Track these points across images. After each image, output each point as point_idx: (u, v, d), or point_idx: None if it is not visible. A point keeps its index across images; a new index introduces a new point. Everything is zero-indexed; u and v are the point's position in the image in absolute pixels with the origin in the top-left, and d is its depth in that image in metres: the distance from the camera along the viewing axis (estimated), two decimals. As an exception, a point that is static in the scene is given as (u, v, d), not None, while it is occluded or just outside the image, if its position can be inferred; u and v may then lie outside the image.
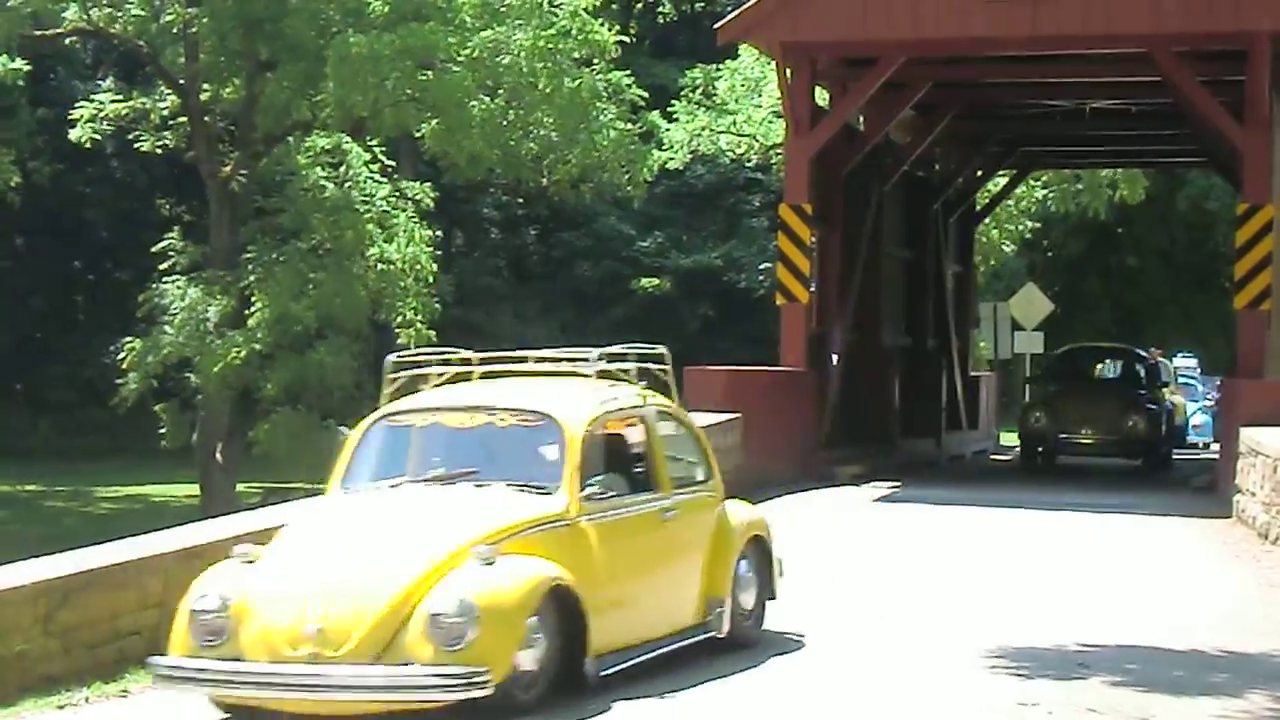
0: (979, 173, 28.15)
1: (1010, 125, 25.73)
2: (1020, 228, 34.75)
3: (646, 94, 27.03)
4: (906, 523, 15.16)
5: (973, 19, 17.82)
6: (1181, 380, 33.98)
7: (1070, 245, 43.95)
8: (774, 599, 9.45)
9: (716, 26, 19.28)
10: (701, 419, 16.06)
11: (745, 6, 19.16)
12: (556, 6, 24.83)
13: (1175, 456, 24.66)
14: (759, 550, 9.37)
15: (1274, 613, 10.73)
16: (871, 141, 21.05)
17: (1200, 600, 11.24)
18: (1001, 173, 29.72)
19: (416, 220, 26.60)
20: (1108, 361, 26.20)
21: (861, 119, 21.59)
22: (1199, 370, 36.92)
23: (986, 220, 31.37)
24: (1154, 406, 23.15)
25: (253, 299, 25.18)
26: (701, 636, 8.70)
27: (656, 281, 39.69)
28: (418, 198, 27.09)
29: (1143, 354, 26.21)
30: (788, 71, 18.91)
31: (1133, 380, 24.30)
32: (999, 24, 17.85)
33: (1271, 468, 14.07)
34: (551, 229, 43.04)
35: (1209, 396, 34.38)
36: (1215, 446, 31.10)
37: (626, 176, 26.25)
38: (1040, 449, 23.00)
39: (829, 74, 20.37)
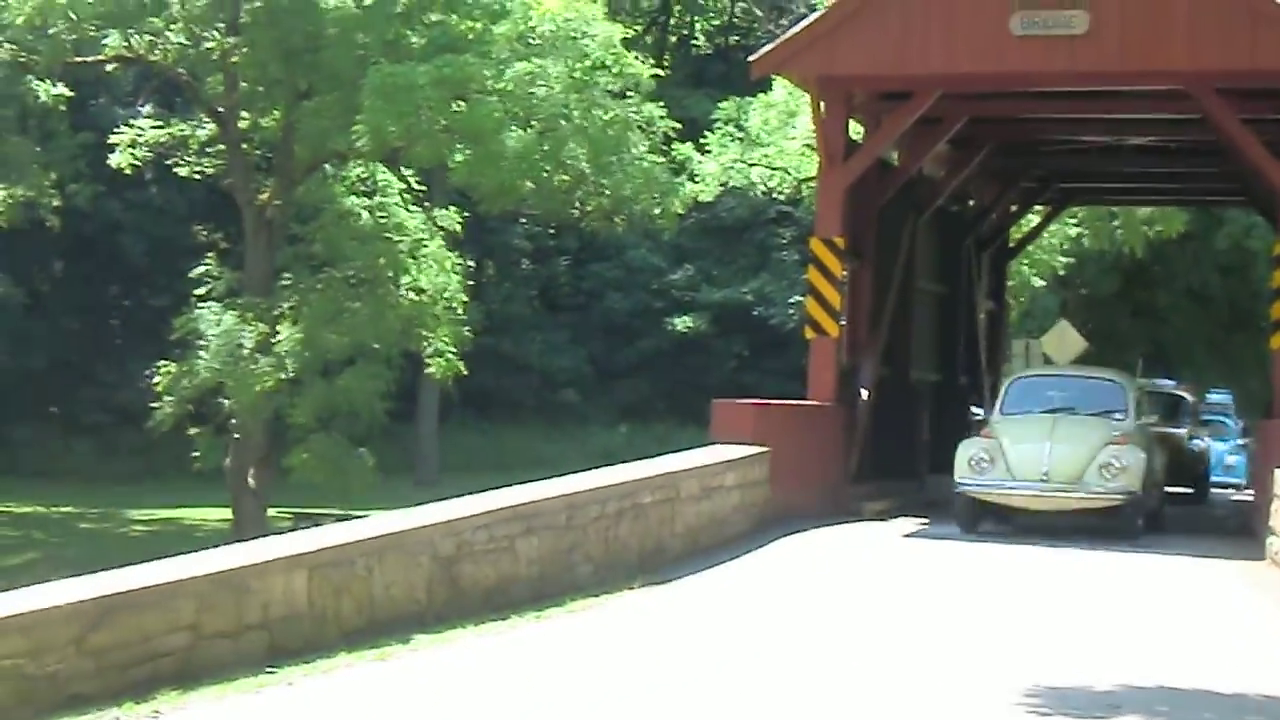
0: (1013, 208, 28.07)
1: (1046, 161, 25.66)
2: (1054, 264, 34.65)
3: (680, 125, 27.12)
4: (935, 559, 15.10)
5: (1009, 54, 17.79)
6: (1212, 418, 33.35)
7: (1104, 284, 43.80)
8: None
9: (751, 59, 19.29)
10: (729, 451, 16.15)
11: (781, 39, 19.20)
12: (590, 38, 24.95)
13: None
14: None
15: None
16: (905, 175, 21.03)
17: (1232, 642, 11.17)
18: (1036, 208, 29.66)
19: (448, 249, 26.71)
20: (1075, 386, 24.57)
21: (895, 153, 21.58)
22: (1232, 408, 36.42)
23: (1019, 256, 31.30)
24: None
25: (280, 326, 25.32)
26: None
27: (690, 322, 39.69)
28: (449, 226, 27.22)
29: (1175, 390, 25.72)
30: (821, 105, 18.93)
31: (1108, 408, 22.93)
32: (1035, 59, 17.80)
33: (1305, 509, 14.01)
34: (582, 260, 43.15)
35: (1242, 437, 34.12)
36: (1250, 491, 31.02)
37: (658, 209, 26.33)
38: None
39: (863, 108, 20.37)
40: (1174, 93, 18.89)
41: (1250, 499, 26.82)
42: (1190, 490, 23.76)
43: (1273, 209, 21.00)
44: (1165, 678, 9.58)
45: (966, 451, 16.94)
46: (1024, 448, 16.71)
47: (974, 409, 19.03)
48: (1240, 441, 33.59)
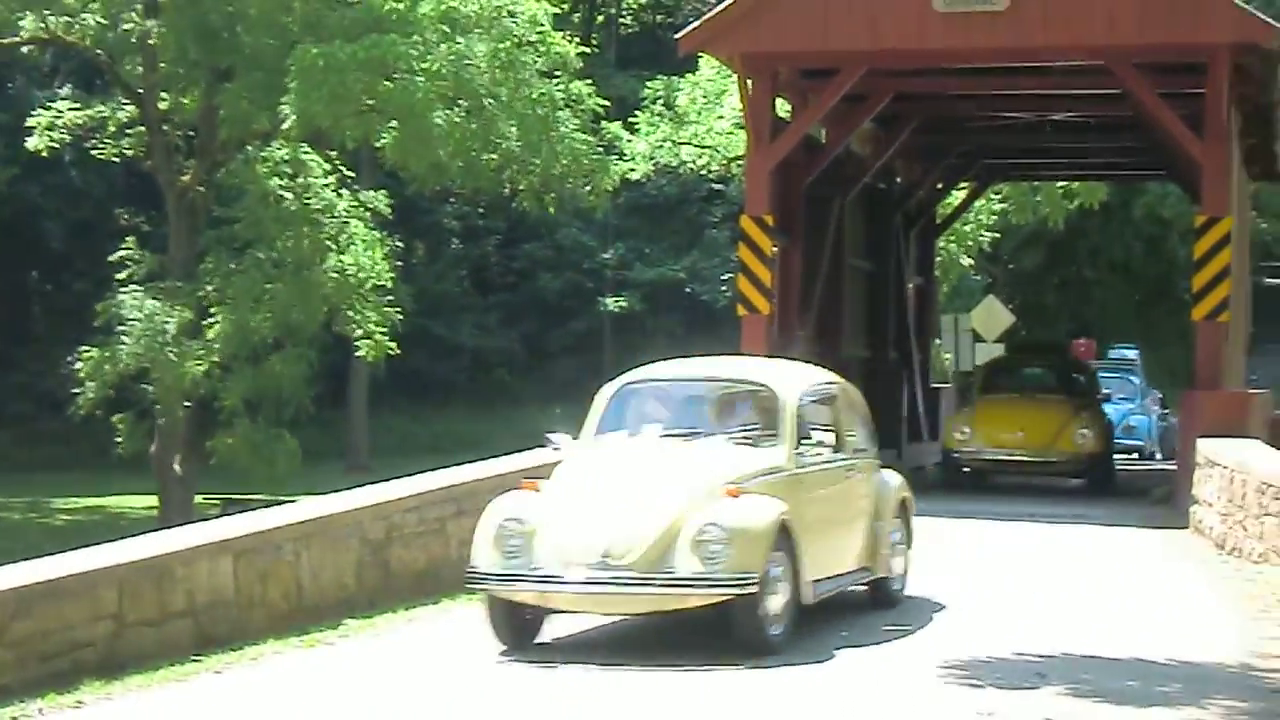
0: (939, 185, 28.24)
1: (971, 137, 25.80)
2: (980, 240, 34.88)
3: (608, 103, 27.05)
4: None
5: (932, 31, 17.87)
6: (1116, 376, 30.95)
7: (1027, 258, 44.16)
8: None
9: (677, 37, 19.26)
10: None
11: (707, 16, 19.19)
12: (514, 18, 24.84)
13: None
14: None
15: (1227, 623, 10.79)
16: (832, 153, 21.10)
17: (1155, 610, 11.30)
18: (962, 185, 29.85)
19: (375, 230, 26.54)
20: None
21: (823, 131, 21.64)
22: (1139, 364, 33.99)
23: (947, 233, 31.49)
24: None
25: (211, 310, 25.09)
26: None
27: (623, 301, 39.69)
28: (376, 207, 27.05)
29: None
30: (748, 83, 18.95)
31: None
32: (958, 36, 17.89)
33: (1228, 479, 14.18)
34: (513, 240, 43.02)
35: (1149, 397, 32.85)
36: (1159, 457, 30.98)
37: (588, 188, 26.27)
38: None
39: (790, 86, 20.41)
40: (1095, 68, 19.05)
41: (1161, 466, 27.10)
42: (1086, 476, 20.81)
43: (1191, 182, 21.23)
44: (1090, 646, 9.68)
45: (495, 513, 9.52)
46: (576, 507, 9.42)
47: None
48: (1152, 406, 32.78)
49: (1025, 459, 20.45)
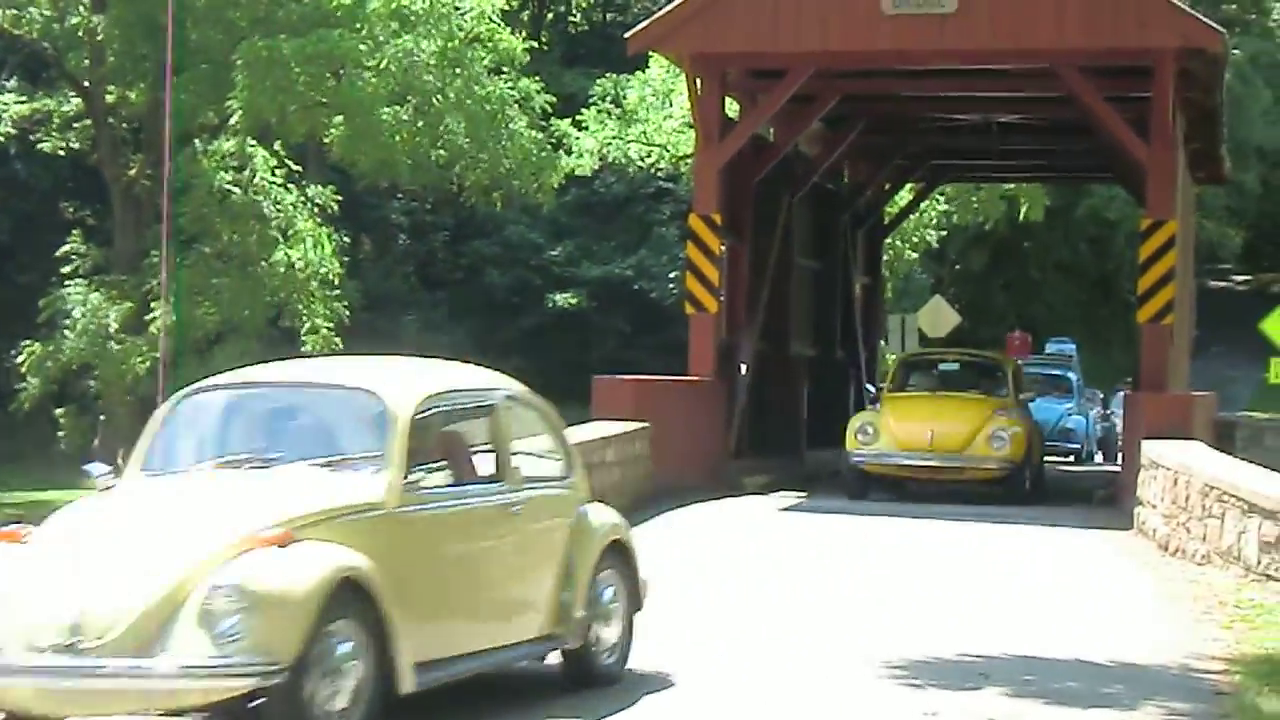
0: (888, 185, 28.38)
1: (918, 139, 25.96)
2: (927, 239, 35.09)
3: (555, 100, 27.04)
4: (810, 534, 15.22)
5: (880, 32, 17.97)
6: (1052, 373, 29.33)
7: (973, 258, 44.45)
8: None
9: (626, 36, 19.30)
10: (609, 428, 16.14)
11: (657, 15, 19.21)
12: (464, 14, 24.80)
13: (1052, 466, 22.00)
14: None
15: (1170, 625, 10.88)
16: (781, 153, 21.17)
17: (1098, 611, 11.38)
18: (911, 185, 30.00)
19: (322, 225, 26.44)
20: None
21: (771, 130, 21.70)
22: (1076, 361, 32.37)
23: (895, 233, 31.65)
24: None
25: (153, 304, 24.94)
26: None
27: (570, 299, 39.62)
28: (323, 202, 26.95)
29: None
30: (697, 82, 18.98)
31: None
32: (906, 38, 18.00)
33: (1171, 480, 14.27)
34: (461, 236, 42.88)
35: (1088, 396, 31.72)
36: (1100, 458, 30.87)
37: (536, 185, 26.26)
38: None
39: (739, 85, 20.47)
40: (1042, 71, 19.19)
41: (1104, 469, 27.21)
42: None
43: (1138, 185, 21.42)
44: (1034, 647, 9.74)
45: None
46: (48, 568, 6.99)
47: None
48: (1091, 405, 31.27)
49: (934, 464, 18.25)
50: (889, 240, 31.25)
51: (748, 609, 10.93)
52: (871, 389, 18.24)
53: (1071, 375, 30.93)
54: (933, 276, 41.58)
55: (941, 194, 33.47)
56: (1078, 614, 11.23)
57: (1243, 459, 15.93)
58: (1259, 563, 12.00)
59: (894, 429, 18.37)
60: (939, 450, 18.28)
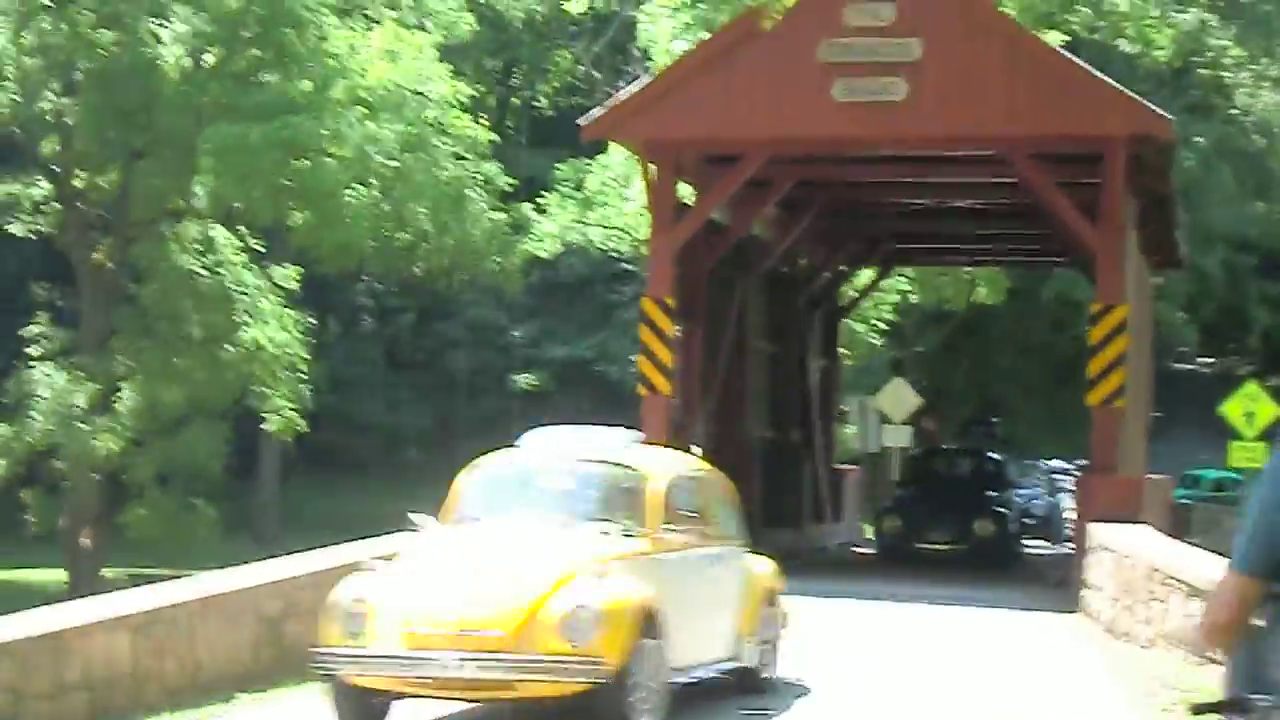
0: (843, 267, 28.62)
1: (873, 223, 26.20)
2: (885, 321, 35.37)
3: (517, 183, 27.40)
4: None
5: (833, 119, 18.14)
6: (1056, 480, 34.37)
7: (930, 338, 44.74)
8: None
9: (580, 122, 19.56)
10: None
11: (610, 104, 19.50)
12: (426, 97, 25.18)
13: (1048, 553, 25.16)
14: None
15: (1115, 707, 11.00)
16: (736, 237, 21.38)
17: (1043, 694, 11.47)
18: (867, 267, 30.29)
19: (286, 306, 26.67)
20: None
21: (727, 214, 21.97)
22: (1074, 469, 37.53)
23: (853, 314, 31.92)
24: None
25: (121, 385, 25.11)
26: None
27: (533, 379, 39.87)
28: (287, 285, 27.19)
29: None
30: (651, 167, 19.23)
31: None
32: (858, 125, 18.15)
33: (1117, 563, 14.38)
34: (425, 318, 43.15)
35: (1054, 482, 35.53)
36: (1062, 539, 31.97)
37: (499, 266, 26.57)
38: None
39: (693, 170, 20.67)
40: (992, 158, 19.48)
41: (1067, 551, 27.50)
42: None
43: (1090, 268, 21.72)
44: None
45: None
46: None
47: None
48: (1058, 490, 34.91)
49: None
50: (850, 321, 31.53)
51: (705, 690, 11.10)
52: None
53: (1042, 462, 35.49)
54: (894, 357, 41.86)
55: (902, 275, 33.82)
56: (1021, 696, 11.31)
57: (1194, 543, 16.02)
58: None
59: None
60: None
